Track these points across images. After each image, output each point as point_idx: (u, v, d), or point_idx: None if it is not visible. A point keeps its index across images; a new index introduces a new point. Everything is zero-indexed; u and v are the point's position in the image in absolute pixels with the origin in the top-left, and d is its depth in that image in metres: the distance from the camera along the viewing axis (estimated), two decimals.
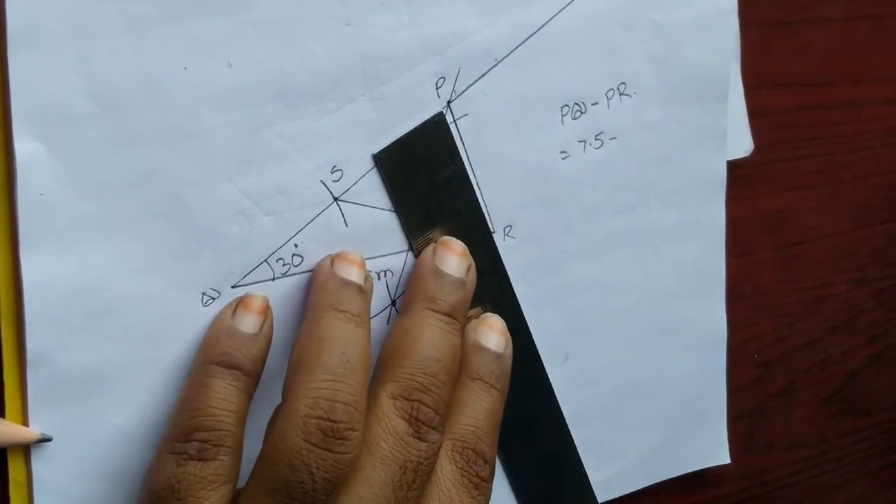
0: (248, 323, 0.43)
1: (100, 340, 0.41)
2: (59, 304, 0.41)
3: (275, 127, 0.43)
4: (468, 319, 0.48)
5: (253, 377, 0.42)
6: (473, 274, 0.47)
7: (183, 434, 0.40)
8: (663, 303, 0.56)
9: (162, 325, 0.43)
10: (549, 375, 0.54)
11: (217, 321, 0.43)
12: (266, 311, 0.43)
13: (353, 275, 0.44)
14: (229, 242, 0.44)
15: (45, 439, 0.41)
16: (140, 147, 0.40)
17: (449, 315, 0.45)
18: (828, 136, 0.62)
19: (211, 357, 0.42)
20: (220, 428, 0.40)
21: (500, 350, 0.47)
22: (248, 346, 0.42)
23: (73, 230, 0.40)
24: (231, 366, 0.41)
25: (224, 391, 0.40)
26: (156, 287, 0.42)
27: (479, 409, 0.46)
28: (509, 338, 0.48)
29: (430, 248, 0.47)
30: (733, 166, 0.56)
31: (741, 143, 0.57)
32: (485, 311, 0.49)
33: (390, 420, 0.42)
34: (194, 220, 0.43)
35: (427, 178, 0.47)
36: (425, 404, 0.43)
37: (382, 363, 0.44)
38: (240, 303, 0.43)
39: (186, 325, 0.44)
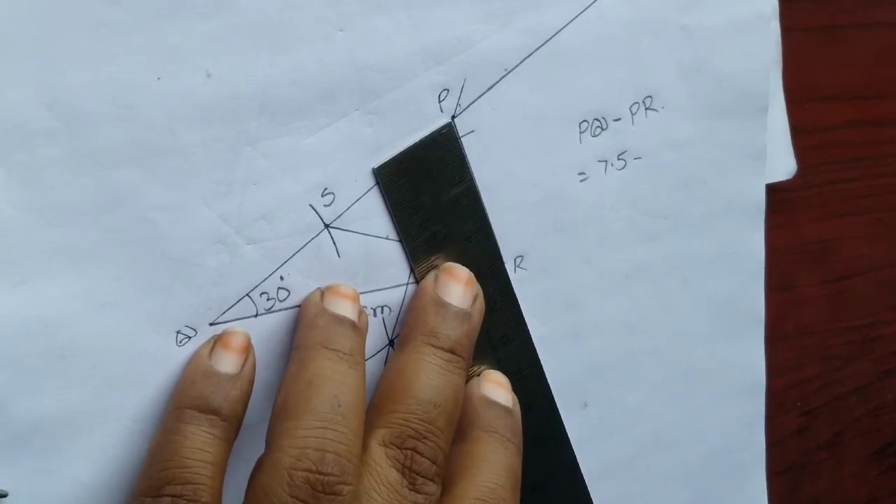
0: (228, 363, 0.43)
1: (61, 385, 0.41)
2: (15, 344, 0.40)
3: (258, 144, 0.44)
4: (469, 375, 0.47)
5: (232, 423, 0.41)
6: (481, 305, 0.47)
7: (153, 488, 0.39)
8: (694, 343, 0.56)
9: (131, 367, 0.43)
10: (566, 424, 0.54)
11: (192, 361, 0.43)
12: (247, 349, 0.43)
13: (346, 310, 0.44)
14: (207, 274, 0.44)
15: (1, 495, 0.41)
16: (107, 167, 0.40)
17: (451, 352, 0.45)
18: (879, 155, 0.62)
19: (185, 401, 0.41)
20: (195, 481, 0.39)
21: (510, 405, 0.47)
22: (227, 389, 0.42)
23: (30, 260, 0.40)
24: (208, 410, 0.41)
25: (200, 439, 0.40)
26: (124, 324, 0.42)
27: (499, 464, 0.46)
28: (516, 398, 0.47)
29: (431, 275, 0.47)
30: (773, 190, 0.56)
31: (782, 164, 0.57)
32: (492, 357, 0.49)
33: (382, 470, 0.42)
34: (167, 250, 0.43)
35: (433, 196, 0.47)
36: (420, 453, 0.43)
37: (375, 406, 0.44)
38: (218, 340, 0.43)
39: (158, 366, 0.44)
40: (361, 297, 0.46)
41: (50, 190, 0.40)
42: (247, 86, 0.43)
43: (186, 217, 0.43)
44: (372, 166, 0.46)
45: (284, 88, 0.44)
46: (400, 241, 0.48)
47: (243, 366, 0.43)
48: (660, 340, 0.56)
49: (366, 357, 0.46)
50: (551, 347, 0.53)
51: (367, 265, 0.47)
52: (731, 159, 0.55)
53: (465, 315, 0.46)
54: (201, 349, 0.43)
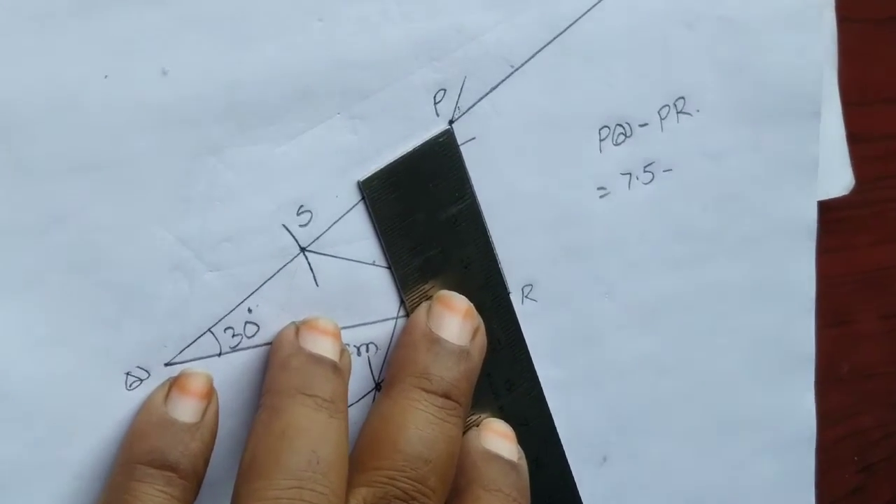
0: (186, 410, 0.42)
1: None
2: None
3: (223, 154, 0.44)
4: (468, 425, 0.47)
5: (192, 481, 0.41)
6: (482, 341, 0.46)
7: None
8: (732, 387, 0.56)
9: (73, 415, 0.43)
10: (582, 483, 0.54)
11: (145, 408, 0.43)
12: (209, 394, 0.43)
13: (325, 348, 0.43)
14: (162, 306, 0.44)
15: None
16: (45, 180, 0.40)
17: (446, 397, 0.44)
18: None
19: (137, 455, 0.41)
20: None
21: (515, 460, 0.46)
22: (186, 441, 0.41)
23: None
24: (163, 466, 0.40)
25: (154, 500, 0.40)
26: (65, 365, 0.42)
27: None
28: (521, 451, 0.47)
29: (423, 307, 0.46)
30: (826, 208, 0.55)
31: (837, 178, 0.56)
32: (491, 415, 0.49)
33: None
34: (116, 278, 0.43)
35: (428, 214, 0.47)
36: None
37: (356, 460, 0.43)
38: (174, 384, 0.43)
39: (105, 414, 0.43)
40: (343, 332, 0.46)
41: None
42: (209, 85, 0.43)
43: (138, 239, 0.43)
44: (356, 179, 0.46)
45: (253, 88, 0.43)
46: (388, 267, 0.47)
47: (204, 413, 0.42)
48: (692, 384, 0.55)
49: (348, 403, 0.46)
50: (564, 393, 0.53)
51: (350, 295, 0.47)
52: (778, 172, 0.55)
53: (462, 353, 0.45)
54: (155, 394, 0.43)
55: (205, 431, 0.42)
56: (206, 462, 0.42)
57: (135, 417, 0.43)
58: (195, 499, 0.41)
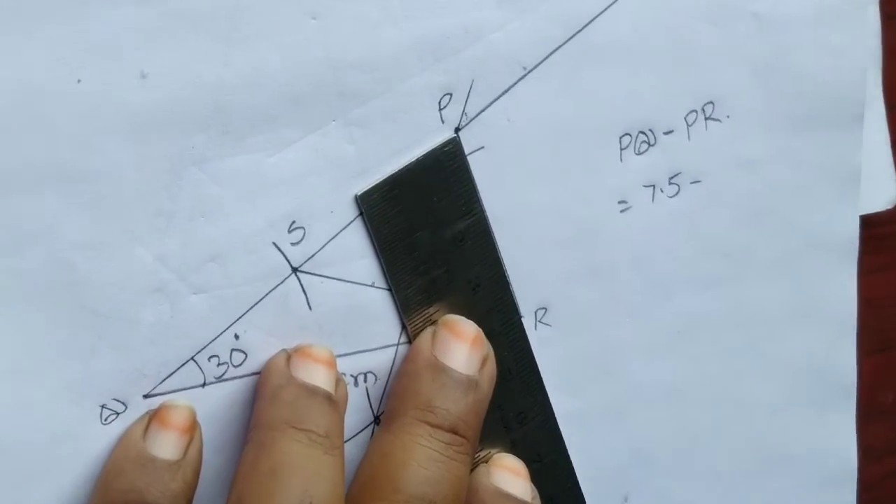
0: (167, 446, 0.41)
1: None
2: None
3: (207, 165, 0.43)
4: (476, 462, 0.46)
5: None
6: (492, 371, 0.46)
7: None
8: (765, 420, 0.55)
9: (44, 451, 0.42)
10: None
11: (122, 444, 0.42)
12: (192, 428, 0.42)
13: (319, 378, 0.43)
14: (141, 332, 0.43)
15: None
16: (13, 194, 0.40)
17: (452, 432, 0.43)
18: None
19: (113, 495, 0.40)
20: None
21: (528, 499, 0.45)
22: (166, 480, 0.40)
23: None
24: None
25: None
26: (36, 396, 0.41)
27: None
28: (535, 489, 0.46)
29: (428, 332, 0.46)
30: (869, 223, 0.55)
31: (881, 191, 0.56)
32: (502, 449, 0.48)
33: None
34: (91, 301, 0.42)
35: (432, 232, 0.46)
36: None
37: (353, 500, 0.42)
38: (154, 417, 0.42)
39: (78, 449, 0.43)
40: (339, 361, 0.46)
41: None
42: (192, 90, 0.42)
43: (115, 258, 0.42)
44: (354, 193, 0.45)
45: (240, 92, 0.43)
46: (389, 289, 0.47)
47: (186, 450, 0.41)
48: (721, 417, 0.55)
49: (345, 438, 0.45)
50: (582, 426, 0.52)
51: (347, 320, 0.46)
52: (816, 184, 0.54)
53: (470, 383, 0.44)
54: (133, 428, 0.42)
55: (187, 470, 0.41)
56: (189, 503, 0.40)
57: (111, 454, 0.42)
58: None
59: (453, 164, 0.45)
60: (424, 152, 0.46)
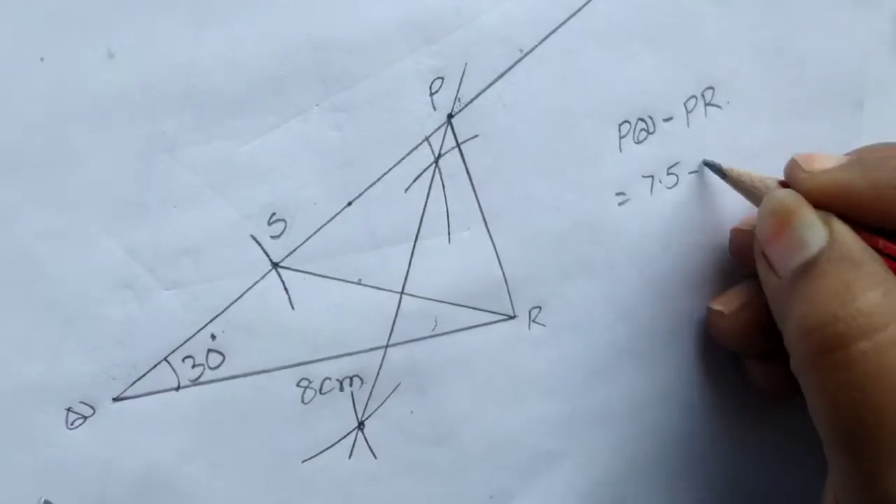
0: None
1: None
2: None
3: (179, 152, 0.41)
4: None
5: None
6: None
7: None
8: (765, 419, 0.53)
9: (4, 455, 0.41)
10: None
11: None
12: None
13: None
14: (110, 330, 0.42)
15: None
16: None
17: None
18: None
19: None
20: None
21: None
22: None
23: None
24: None
25: None
26: None
27: None
28: None
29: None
30: None
31: None
32: None
33: None
34: (55, 295, 0.41)
35: None
36: None
37: None
38: None
39: (42, 455, 0.41)
40: (324, 364, 0.45)
41: None
42: (163, 70, 0.41)
43: (81, 250, 0.41)
44: (335, 188, 0.44)
45: (215, 74, 0.41)
46: (377, 287, 0.45)
47: None
48: (719, 426, 0.52)
49: (323, 447, 0.45)
50: (571, 431, 0.50)
51: (332, 320, 0.45)
52: None
53: None
54: None
55: None
56: None
57: None
58: None
59: None
60: (414, 145, 0.45)
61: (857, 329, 0.40)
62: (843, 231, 0.42)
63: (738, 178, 0.47)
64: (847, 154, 0.47)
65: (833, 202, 0.43)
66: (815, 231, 0.42)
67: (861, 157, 0.45)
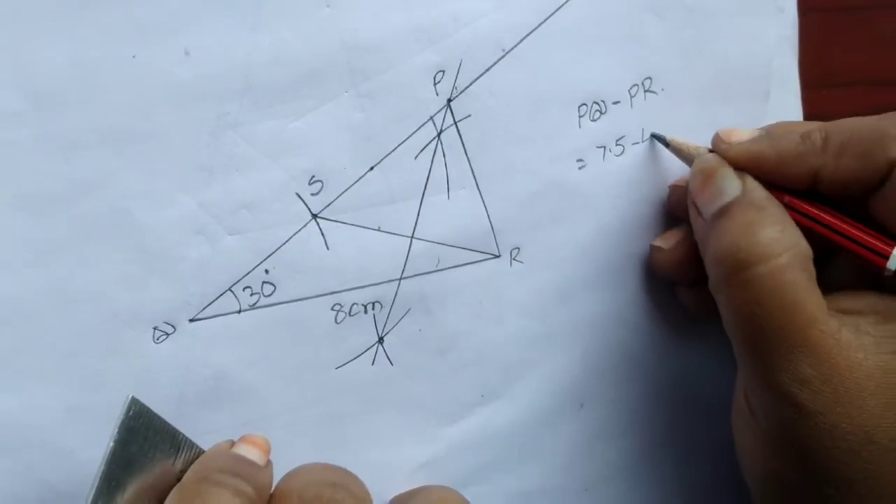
0: (254, 454, 0.41)
1: (25, 382, 0.42)
2: None
3: (240, 128, 0.43)
4: None
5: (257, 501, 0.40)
6: None
7: None
8: (694, 338, 0.56)
9: (103, 365, 0.42)
10: (560, 426, 0.54)
11: (212, 450, 0.42)
12: (268, 452, 0.42)
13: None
14: (186, 267, 0.43)
15: None
16: (78, 151, 0.41)
17: None
18: None
19: (208, 473, 0.39)
20: None
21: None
22: (254, 472, 0.40)
23: None
24: (236, 475, 0.39)
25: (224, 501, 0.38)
26: (95, 319, 0.42)
27: None
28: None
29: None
30: None
31: None
32: None
33: None
34: (144, 241, 0.42)
35: None
36: None
37: None
38: (240, 439, 0.42)
39: (133, 364, 0.43)
40: (352, 293, 0.47)
41: (16, 176, 0.40)
42: (227, 65, 0.43)
43: (163, 206, 0.43)
44: (358, 159, 0.46)
45: (267, 69, 0.43)
46: (393, 233, 0.47)
47: (266, 464, 0.41)
48: (659, 338, 0.55)
49: (353, 356, 0.47)
50: (547, 345, 0.52)
51: (359, 258, 0.47)
52: None
53: None
54: (220, 444, 0.42)
55: (268, 473, 0.41)
56: (269, 495, 0.40)
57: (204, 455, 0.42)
58: None
59: None
60: (421, 122, 0.46)
61: (756, 256, 0.44)
62: (753, 184, 0.46)
63: (677, 145, 0.51)
64: (759, 129, 0.50)
65: (748, 166, 0.47)
66: (731, 183, 0.46)
67: (770, 131, 0.48)
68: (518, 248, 0.51)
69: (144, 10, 0.41)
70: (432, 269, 0.49)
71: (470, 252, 0.49)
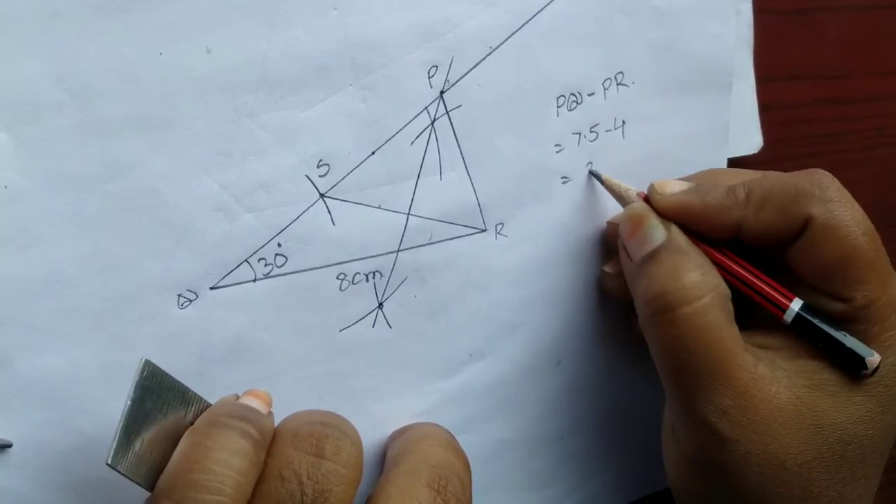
0: (257, 403, 0.43)
1: (64, 342, 0.43)
2: (21, 304, 0.42)
3: (257, 117, 0.45)
4: None
5: (262, 445, 0.41)
6: None
7: (176, 490, 0.38)
8: None
9: (133, 328, 0.44)
10: (539, 382, 0.56)
11: (219, 401, 0.44)
12: (270, 404, 0.43)
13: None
14: (208, 240, 0.45)
15: (5, 445, 0.43)
16: (112, 138, 0.42)
17: None
18: (844, 132, 0.62)
19: (217, 417, 0.41)
20: (221, 491, 0.38)
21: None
22: (259, 417, 0.41)
23: (38, 225, 0.42)
24: (242, 419, 0.41)
25: (232, 444, 0.39)
26: (127, 287, 0.44)
27: None
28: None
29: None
30: (739, 163, 0.58)
31: (749, 140, 0.59)
32: None
33: None
34: (170, 217, 0.44)
35: None
36: None
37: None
38: (246, 393, 0.44)
39: (160, 327, 0.45)
40: (355, 263, 0.48)
41: (57, 159, 0.41)
42: (245, 61, 0.44)
43: (188, 186, 0.44)
44: (360, 144, 0.47)
45: (281, 64, 0.45)
46: (392, 210, 0.48)
47: (269, 413, 0.43)
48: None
49: (353, 321, 0.49)
50: (529, 309, 0.54)
51: (361, 233, 0.48)
52: (697, 133, 0.58)
53: None
54: (225, 397, 0.44)
55: (271, 420, 0.42)
56: (265, 451, 0.41)
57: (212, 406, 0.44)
58: (262, 465, 0.41)
59: None
60: (417, 112, 0.48)
61: (680, 298, 0.46)
62: (677, 233, 0.48)
63: (610, 184, 0.52)
64: (690, 177, 0.51)
65: (677, 216, 0.48)
66: (657, 231, 0.48)
67: (699, 184, 0.49)
68: (502, 224, 0.52)
69: (171, 12, 0.42)
70: (426, 242, 0.50)
71: (459, 227, 0.51)
